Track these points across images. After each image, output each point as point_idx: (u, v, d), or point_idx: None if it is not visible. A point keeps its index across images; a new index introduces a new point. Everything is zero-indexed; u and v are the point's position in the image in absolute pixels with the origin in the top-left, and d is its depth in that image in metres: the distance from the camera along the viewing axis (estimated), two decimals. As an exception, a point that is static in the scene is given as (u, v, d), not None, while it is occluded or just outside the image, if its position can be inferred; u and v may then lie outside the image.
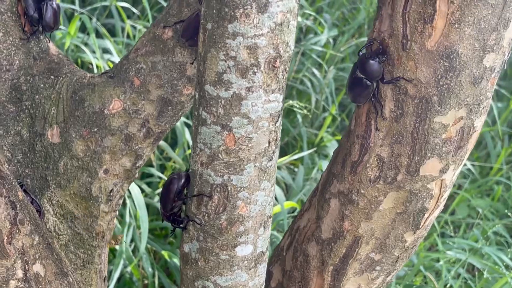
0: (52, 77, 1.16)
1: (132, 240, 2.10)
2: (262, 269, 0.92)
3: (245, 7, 0.78)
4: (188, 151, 2.41)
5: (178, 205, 0.90)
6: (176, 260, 2.05)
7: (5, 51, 1.13)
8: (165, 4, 2.76)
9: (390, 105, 0.97)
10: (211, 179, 0.85)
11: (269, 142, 0.84)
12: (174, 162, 2.41)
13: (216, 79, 0.81)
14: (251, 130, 0.83)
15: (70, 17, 2.86)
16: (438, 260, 2.28)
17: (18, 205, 0.92)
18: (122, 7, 2.76)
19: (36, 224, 0.95)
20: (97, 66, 2.31)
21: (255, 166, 0.84)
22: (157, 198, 2.33)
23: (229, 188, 0.85)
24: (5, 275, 0.90)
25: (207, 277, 0.90)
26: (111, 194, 1.17)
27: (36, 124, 1.14)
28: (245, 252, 0.88)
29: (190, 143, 2.38)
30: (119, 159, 1.15)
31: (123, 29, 2.83)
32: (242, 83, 0.80)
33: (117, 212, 1.22)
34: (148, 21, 2.71)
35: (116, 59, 2.43)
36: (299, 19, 2.81)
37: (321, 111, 2.96)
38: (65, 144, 1.14)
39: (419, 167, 0.98)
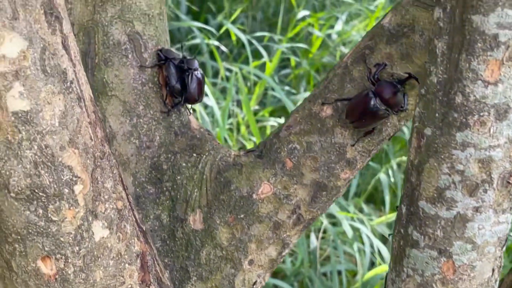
0: (195, 155, 1.05)
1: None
2: None
3: (481, 114, 0.64)
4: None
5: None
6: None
7: (145, 126, 1.03)
8: (258, 46, 2.67)
9: None
10: (419, 311, 0.72)
11: (492, 270, 0.70)
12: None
13: (435, 195, 0.68)
14: (475, 257, 0.69)
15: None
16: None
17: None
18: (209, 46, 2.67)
19: None
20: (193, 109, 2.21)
21: (474, 298, 0.70)
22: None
23: (442, 323, 0.71)
24: None
25: None
26: (254, 286, 1.05)
27: (177, 208, 1.03)
28: None
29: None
30: (265, 248, 1.03)
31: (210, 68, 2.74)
32: (469, 202, 0.67)
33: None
34: (245, 62, 2.61)
35: (211, 101, 2.34)
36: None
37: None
38: (209, 231, 1.02)
39: None
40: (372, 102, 0.95)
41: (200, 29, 2.73)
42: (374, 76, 0.96)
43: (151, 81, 1.04)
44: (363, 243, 2.24)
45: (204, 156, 1.05)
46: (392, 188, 2.54)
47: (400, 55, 0.94)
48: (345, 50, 2.90)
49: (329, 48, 2.84)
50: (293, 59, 2.81)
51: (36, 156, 0.65)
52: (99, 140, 0.71)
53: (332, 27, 2.98)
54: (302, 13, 2.89)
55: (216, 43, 2.70)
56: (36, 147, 0.65)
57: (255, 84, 2.68)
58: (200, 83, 1.06)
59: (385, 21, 0.96)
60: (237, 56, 3.00)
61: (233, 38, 2.79)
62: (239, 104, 2.74)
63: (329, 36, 2.99)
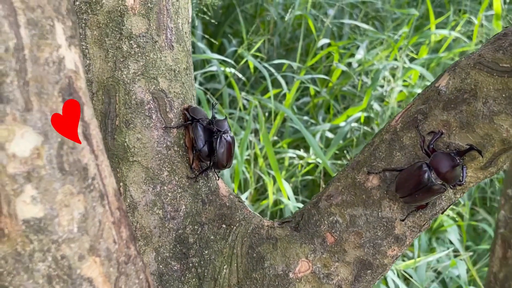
0: (224, 226, 0.94)
1: None
2: None
3: None
4: None
5: None
6: None
7: (170, 194, 0.93)
8: (277, 76, 2.57)
9: None
10: None
11: None
12: None
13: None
14: None
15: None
16: None
17: None
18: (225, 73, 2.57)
19: None
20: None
21: None
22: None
23: None
24: None
25: None
26: None
27: (205, 287, 0.92)
28: None
29: None
30: (302, 332, 0.92)
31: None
32: None
33: None
34: (264, 89, 2.50)
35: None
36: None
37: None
38: (239, 314, 0.91)
39: None
40: (426, 176, 0.84)
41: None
42: (429, 145, 0.85)
43: (176, 144, 0.93)
44: (388, 286, 2.13)
45: (235, 227, 0.94)
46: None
47: (460, 124, 0.83)
48: (366, 80, 2.79)
49: (350, 77, 2.73)
50: (312, 88, 2.71)
51: (50, 269, 0.55)
52: (124, 241, 0.60)
53: (352, 55, 2.88)
54: (322, 41, 2.79)
55: (234, 71, 2.60)
56: (50, 259, 0.54)
57: (273, 111, 2.57)
58: (230, 148, 0.95)
59: (441, 84, 0.86)
60: (255, 83, 2.90)
61: (251, 66, 2.70)
62: (256, 133, 2.64)
63: (349, 64, 2.89)
